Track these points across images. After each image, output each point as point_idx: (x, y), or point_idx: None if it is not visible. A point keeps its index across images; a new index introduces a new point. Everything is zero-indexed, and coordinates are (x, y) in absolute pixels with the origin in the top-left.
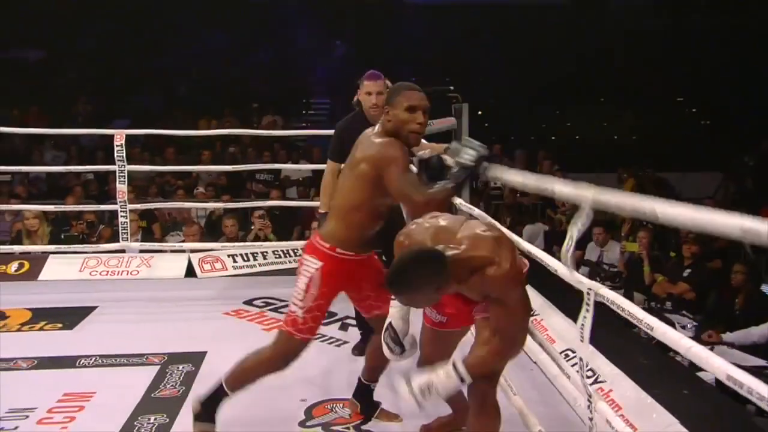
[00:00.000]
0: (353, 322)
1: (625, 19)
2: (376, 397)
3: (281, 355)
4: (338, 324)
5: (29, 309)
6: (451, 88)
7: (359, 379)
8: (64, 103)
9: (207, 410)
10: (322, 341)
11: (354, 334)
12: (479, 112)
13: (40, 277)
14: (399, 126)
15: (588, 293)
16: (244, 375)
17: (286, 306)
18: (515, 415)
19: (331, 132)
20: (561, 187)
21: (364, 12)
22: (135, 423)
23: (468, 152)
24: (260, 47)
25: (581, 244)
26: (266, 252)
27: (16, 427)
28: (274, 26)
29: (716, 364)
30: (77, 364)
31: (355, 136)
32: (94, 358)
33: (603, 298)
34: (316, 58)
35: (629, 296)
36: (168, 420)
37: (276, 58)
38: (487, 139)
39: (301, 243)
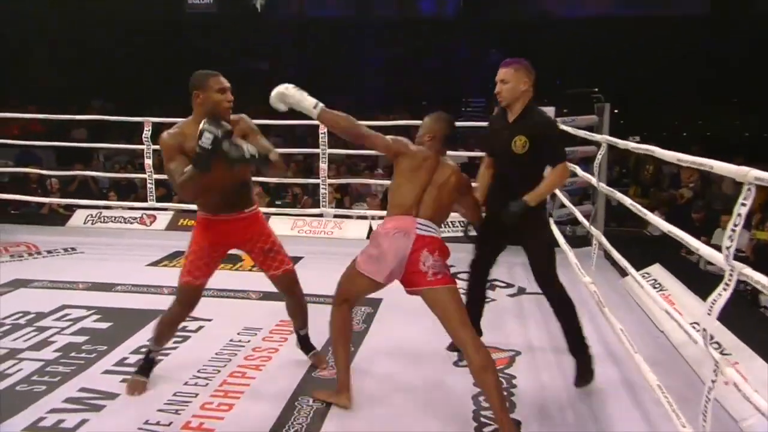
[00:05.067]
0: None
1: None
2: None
3: (181, 302)
4: None
5: None
6: (596, 89)
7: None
8: None
9: (145, 366)
10: None
11: None
12: (615, 111)
13: None
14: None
15: (730, 273)
16: (161, 330)
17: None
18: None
19: (484, 124)
20: (720, 165)
21: (516, 24)
22: (329, 347)
23: (204, 135)
24: (429, 57)
25: (710, 229)
26: None
27: (248, 341)
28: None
29: None
30: None
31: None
32: None
33: (746, 277)
34: (473, 64)
35: None
36: (353, 349)
37: (441, 65)
38: (625, 134)
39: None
